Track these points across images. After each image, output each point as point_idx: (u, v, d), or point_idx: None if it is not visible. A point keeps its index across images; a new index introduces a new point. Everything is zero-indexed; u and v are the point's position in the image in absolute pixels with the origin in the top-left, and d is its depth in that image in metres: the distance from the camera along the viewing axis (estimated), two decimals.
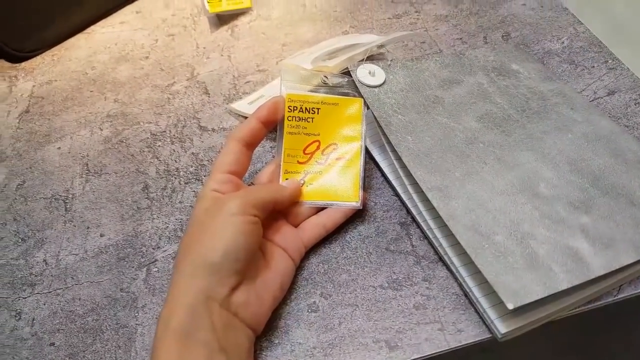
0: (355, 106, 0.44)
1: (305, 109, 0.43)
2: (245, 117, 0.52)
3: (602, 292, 0.37)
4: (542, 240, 0.36)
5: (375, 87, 0.46)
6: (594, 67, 0.53)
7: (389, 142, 0.43)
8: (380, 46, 0.54)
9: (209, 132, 0.53)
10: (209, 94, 0.57)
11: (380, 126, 0.43)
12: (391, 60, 0.49)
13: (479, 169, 0.40)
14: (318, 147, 0.43)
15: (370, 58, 0.53)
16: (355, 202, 0.43)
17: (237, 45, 0.62)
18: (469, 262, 0.38)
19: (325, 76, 0.45)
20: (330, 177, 0.43)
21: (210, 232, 0.36)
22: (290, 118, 0.43)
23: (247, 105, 0.53)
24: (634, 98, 0.50)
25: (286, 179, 0.42)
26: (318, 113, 0.44)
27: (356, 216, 0.44)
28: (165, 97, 0.58)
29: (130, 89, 0.59)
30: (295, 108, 0.43)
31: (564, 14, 0.59)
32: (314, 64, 0.50)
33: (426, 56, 0.48)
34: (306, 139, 0.43)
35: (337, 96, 0.44)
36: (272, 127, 0.43)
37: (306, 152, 0.43)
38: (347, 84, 0.45)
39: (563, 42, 0.56)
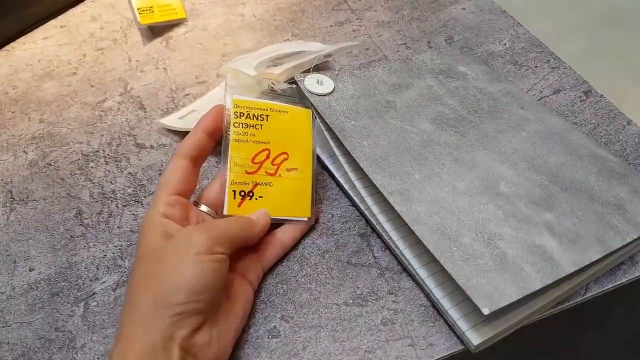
0: (305, 116, 0.42)
1: (254, 115, 0.40)
2: (187, 131, 0.49)
3: (571, 292, 0.36)
4: (509, 240, 0.34)
5: (324, 95, 0.44)
6: (537, 67, 0.53)
7: (344, 152, 0.41)
8: (328, 55, 0.53)
9: (147, 149, 0.49)
10: (145, 109, 0.53)
11: (333, 134, 0.41)
12: (339, 70, 0.47)
13: (438, 171, 0.39)
14: (268, 157, 0.40)
15: (316, 67, 0.51)
16: (306, 218, 0.40)
17: (173, 57, 0.59)
18: (435, 272, 0.36)
19: (272, 83, 0.43)
20: (281, 190, 0.40)
21: (173, 268, 0.32)
22: (237, 124, 0.40)
23: (177, 120, 0.50)
24: (579, 95, 0.50)
25: (255, 211, 0.39)
26: (267, 120, 0.41)
27: (314, 230, 0.42)
28: (96, 114, 0.53)
29: (57, 108, 0.54)
30: (242, 114, 0.40)
31: (502, 16, 0.60)
32: (258, 70, 0.47)
33: (373, 63, 0.47)
34: (255, 147, 0.40)
35: (286, 104, 0.42)
36: (218, 137, 0.39)
37: (255, 161, 0.40)
38: (294, 91, 0.43)
39: (505, 44, 0.56)
